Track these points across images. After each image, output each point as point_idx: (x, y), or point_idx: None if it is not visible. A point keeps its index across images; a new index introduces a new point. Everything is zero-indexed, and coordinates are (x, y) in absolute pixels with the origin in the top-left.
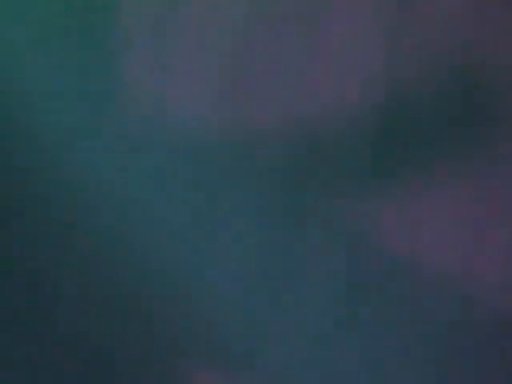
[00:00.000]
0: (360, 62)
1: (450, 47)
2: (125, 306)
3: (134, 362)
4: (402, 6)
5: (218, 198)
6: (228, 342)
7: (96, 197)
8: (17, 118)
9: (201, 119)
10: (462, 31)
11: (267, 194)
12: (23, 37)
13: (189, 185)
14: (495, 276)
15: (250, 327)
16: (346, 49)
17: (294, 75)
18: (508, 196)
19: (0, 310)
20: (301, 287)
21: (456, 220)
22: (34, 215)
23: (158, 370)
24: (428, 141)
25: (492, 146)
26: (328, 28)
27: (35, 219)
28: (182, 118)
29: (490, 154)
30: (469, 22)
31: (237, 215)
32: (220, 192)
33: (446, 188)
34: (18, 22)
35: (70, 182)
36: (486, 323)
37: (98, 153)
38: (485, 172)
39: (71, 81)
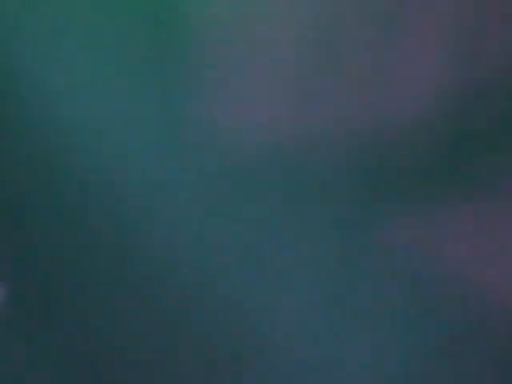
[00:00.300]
0: (435, 68)
1: None
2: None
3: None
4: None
5: (293, 212)
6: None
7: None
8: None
9: (272, 131)
10: None
11: (338, 207)
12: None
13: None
14: None
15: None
16: (421, 53)
17: (364, 85)
18: None
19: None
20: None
21: None
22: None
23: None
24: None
25: None
26: (405, 30)
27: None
28: (256, 130)
29: None
30: None
31: (312, 229)
32: (293, 205)
33: None
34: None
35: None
36: None
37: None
38: None
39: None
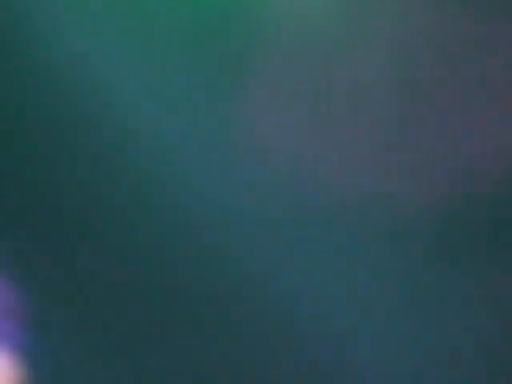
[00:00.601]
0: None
1: None
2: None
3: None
4: None
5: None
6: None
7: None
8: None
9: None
10: None
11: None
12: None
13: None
14: None
15: None
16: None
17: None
18: None
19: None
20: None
21: None
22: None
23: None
24: None
25: None
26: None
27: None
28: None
29: None
30: None
31: (381, 285)
32: (364, 260)
33: None
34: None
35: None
36: None
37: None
38: None
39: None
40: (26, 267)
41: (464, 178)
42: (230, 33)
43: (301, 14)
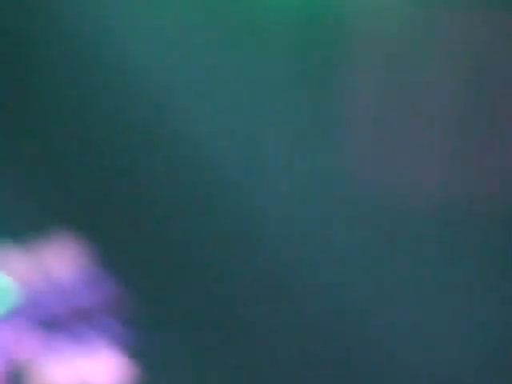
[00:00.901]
0: None
1: None
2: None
3: None
4: None
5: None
6: None
7: None
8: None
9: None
10: None
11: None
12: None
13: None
14: None
15: None
16: None
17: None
18: None
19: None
20: None
21: None
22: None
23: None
24: None
25: None
26: None
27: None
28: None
29: None
30: None
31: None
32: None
33: None
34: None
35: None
36: None
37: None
38: None
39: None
40: (132, 266)
41: None
42: (320, 38)
43: (389, 19)
